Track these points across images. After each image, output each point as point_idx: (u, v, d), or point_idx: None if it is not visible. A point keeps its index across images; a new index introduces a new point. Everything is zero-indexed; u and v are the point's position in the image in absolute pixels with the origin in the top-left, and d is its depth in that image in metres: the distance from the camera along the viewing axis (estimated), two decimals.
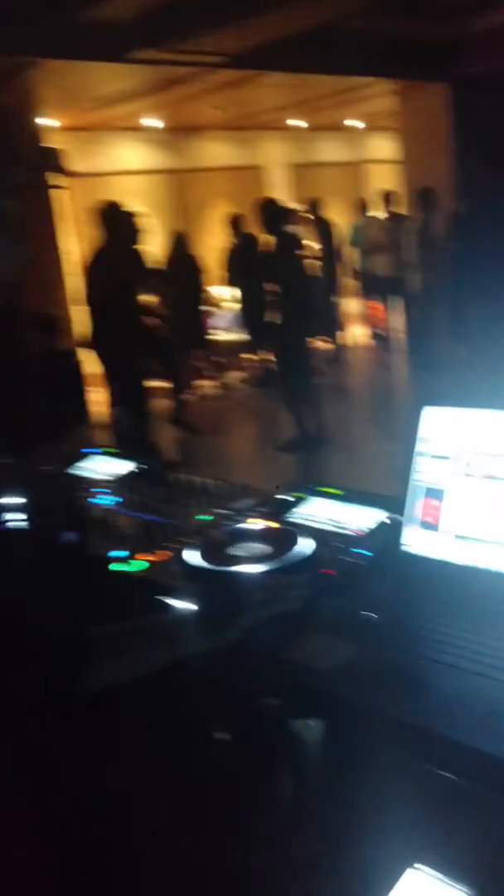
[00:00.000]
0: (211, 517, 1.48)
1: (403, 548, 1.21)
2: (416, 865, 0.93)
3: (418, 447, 1.21)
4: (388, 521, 1.32)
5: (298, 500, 1.48)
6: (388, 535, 1.28)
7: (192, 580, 1.21)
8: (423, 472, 1.20)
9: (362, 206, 9.69)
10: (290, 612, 1.04)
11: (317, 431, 5.56)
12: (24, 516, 1.28)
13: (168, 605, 1.18)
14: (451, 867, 0.91)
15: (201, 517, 1.48)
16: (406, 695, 0.93)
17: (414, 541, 1.20)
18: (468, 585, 1.11)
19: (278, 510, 1.46)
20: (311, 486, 1.53)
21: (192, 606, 1.15)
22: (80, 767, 1.05)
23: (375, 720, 0.92)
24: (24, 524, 1.26)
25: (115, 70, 6.85)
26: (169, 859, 1.05)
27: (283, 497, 1.52)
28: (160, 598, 1.20)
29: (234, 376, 8.64)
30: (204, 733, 1.14)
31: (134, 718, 1.14)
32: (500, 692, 0.89)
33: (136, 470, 1.79)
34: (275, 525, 1.38)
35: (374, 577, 1.20)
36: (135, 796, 1.12)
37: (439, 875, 0.92)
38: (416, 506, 1.21)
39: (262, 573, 1.18)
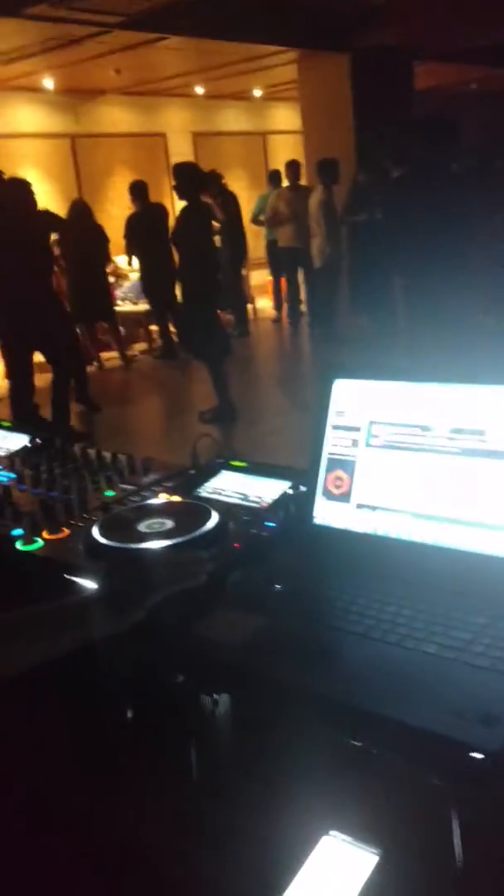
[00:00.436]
0: (115, 493, 1.44)
1: (312, 519, 1.21)
2: (330, 832, 0.94)
3: (328, 419, 1.21)
4: (295, 493, 1.31)
5: (206, 475, 1.46)
6: (295, 506, 1.27)
7: (96, 558, 1.18)
8: (333, 443, 1.20)
9: (269, 177, 9.65)
10: (197, 587, 1.02)
11: (222, 403, 5.54)
12: None
13: (74, 585, 1.15)
14: (362, 831, 0.93)
15: (106, 493, 1.44)
16: (314, 665, 0.92)
17: (322, 512, 1.20)
18: (376, 554, 1.11)
19: (185, 485, 1.44)
20: (219, 459, 1.51)
21: (99, 585, 1.11)
22: None
23: (284, 692, 0.91)
24: None
25: (7, 25, 6.56)
26: (83, 835, 1.03)
27: (190, 471, 1.49)
28: (65, 577, 1.16)
29: (138, 348, 8.52)
30: (115, 711, 1.12)
31: (45, 700, 1.11)
32: (405, 660, 0.90)
33: (30, 444, 1.73)
34: (180, 500, 1.36)
35: (283, 549, 1.19)
36: (48, 776, 1.09)
37: (351, 840, 0.93)
38: (325, 477, 1.20)
39: (168, 548, 1.16)
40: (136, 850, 0.98)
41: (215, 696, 1.05)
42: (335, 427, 1.20)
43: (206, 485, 1.43)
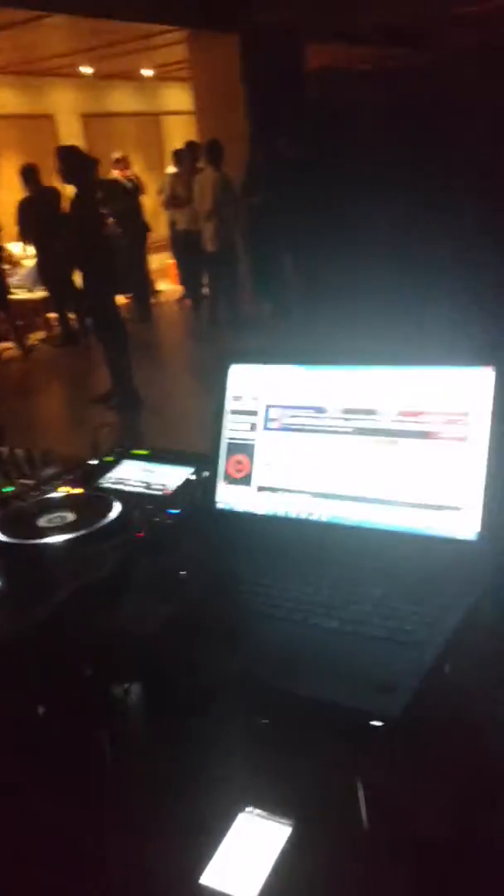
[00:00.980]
0: (13, 487, 1.42)
1: (215, 504, 1.22)
2: (246, 809, 0.96)
3: (225, 404, 1.22)
4: (198, 479, 1.32)
5: (107, 465, 1.45)
6: (198, 492, 1.28)
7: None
8: (231, 427, 1.21)
9: (175, 156, 9.52)
10: (101, 578, 1.02)
11: (125, 391, 5.49)
12: None
13: None
14: (276, 805, 0.96)
15: (4, 489, 1.41)
16: (220, 647, 0.94)
17: (225, 496, 1.22)
18: (278, 535, 1.14)
19: (87, 476, 1.43)
20: (121, 448, 1.50)
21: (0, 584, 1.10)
22: None
23: (193, 675, 0.93)
24: None
25: None
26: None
27: (91, 462, 1.48)
28: None
29: (35, 337, 8.33)
30: (24, 708, 1.10)
31: None
32: (309, 636, 0.93)
33: None
34: (81, 492, 1.35)
35: (187, 535, 1.20)
36: None
37: (266, 815, 0.96)
38: (226, 461, 1.22)
39: (70, 542, 1.15)
40: (49, 840, 0.98)
41: (125, 685, 1.05)
42: (234, 412, 1.21)
43: (109, 475, 1.42)
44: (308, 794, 0.93)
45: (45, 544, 1.15)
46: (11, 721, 1.10)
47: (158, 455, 1.46)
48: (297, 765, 0.92)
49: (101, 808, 0.99)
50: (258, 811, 0.97)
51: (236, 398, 1.21)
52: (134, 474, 1.41)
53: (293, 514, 1.15)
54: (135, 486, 1.37)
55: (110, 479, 1.41)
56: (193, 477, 1.34)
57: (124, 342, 5.51)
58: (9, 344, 7.85)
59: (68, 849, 0.92)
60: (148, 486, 1.36)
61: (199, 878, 0.86)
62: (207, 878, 0.89)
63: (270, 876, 0.87)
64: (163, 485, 1.35)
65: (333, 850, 0.88)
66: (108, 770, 1.05)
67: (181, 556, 1.14)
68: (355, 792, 0.85)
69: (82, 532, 1.16)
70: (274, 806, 0.97)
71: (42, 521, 1.21)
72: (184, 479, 1.34)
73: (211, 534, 1.20)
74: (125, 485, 1.38)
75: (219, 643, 0.95)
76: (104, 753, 1.06)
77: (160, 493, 1.33)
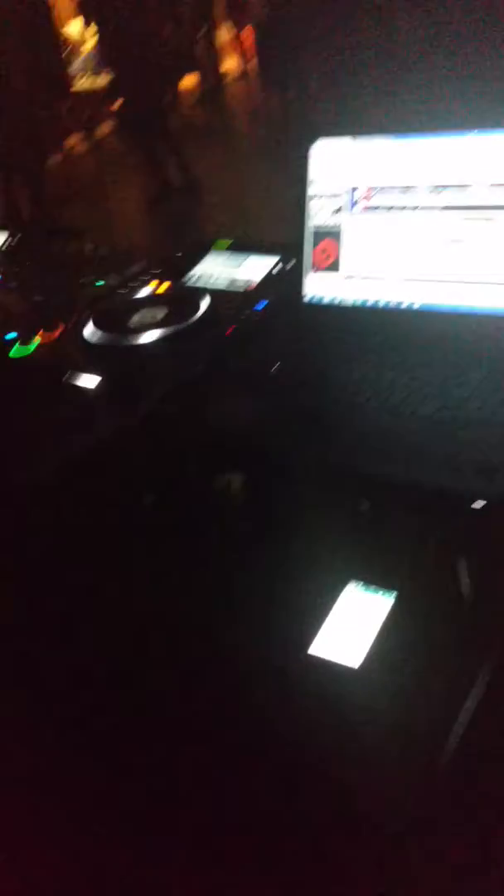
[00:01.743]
0: (103, 285, 1.41)
1: (302, 295, 1.19)
2: (350, 582, 1.02)
3: (308, 186, 1.15)
4: (283, 270, 1.28)
5: (191, 258, 1.42)
6: (284, 284, 1.25)
7: (93, 357, 1.18)
8: (316, 213, 1.15)
9: None
10: (195, 375, 1.03)
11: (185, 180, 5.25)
12: None
13: (74, 388, 1.16)
14: (378, 580, 1.01)
15: (92, 286, 1.41)
16: (317, 436, 0.95)
17: (312, 287, 1.18)
18: (369, 324, 1.11)
19: (172, 272, 1.40)
20: (203, 240, 1.46)
21: (97, 383, 1.12)
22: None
23: (292, 465, 0.95)
24: None
25: None
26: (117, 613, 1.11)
27: (176, 256, 1.45)
28: (64, 380, 1.17)
29: (104, 127, 7.95)
30: (133, 503, 1.16)
31: (64, 503, 1.15)
32: (404, 423, 0.93)
33: (9, 242, 1.67)
34: (170, 288, 1.33)
35: (275, 329, 1.19)
36: (73, 572, 1.16)
37: (370, 587, 1.01)
38: (312, 249, 1.17)
39: (163, 339, 1.15)
40: (159, 624, 1.06)
41: (228, 476, 1.09)
42: (317, 196, 1.15)
43: (194, 269, 1.40)
44: (409, 569, 0.97)
45: (140, 342, 1.15)
46: (120, 510, 1.16)
47: (241, 246, 1.41)
48: (398, 543, 0.95)
49: (208, 597, 1.06)
50: (362, 584, 1.02)
51: (319, 179, 1.14)
52: (218, 268, 1.38)
53: (383, 301, 1.11)
54: (219, 281, 1.35)
55: (194, 275, 1.39)
56: (278, 268, 1.30)
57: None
58: (75, 138, 7.56)
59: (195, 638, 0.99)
60: (232, 282, 1.33)
61: (307, 649, 0.93)
62: (316, 649, 0.96)
63: (374, 644, 0.93)
64: (247, 279, 1.32)
65: (433, 620, 0.93)
66: (214, 558, 1.11)
67: (271, 350, 1.13)
68: (456, 570, 0.88)
69: (175, 328, 1.16)
70: (377, 579, 1.02)
71: (135, 319, 1.22)
72: (268, 270, 1.30)
73: (299, 326, 1.18)
74: (209, 280, 1.36)
75: (314, 433, 0.96)
76: (212, 543, 1.11)
77: (245, 287, 1.31)
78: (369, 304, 1.12)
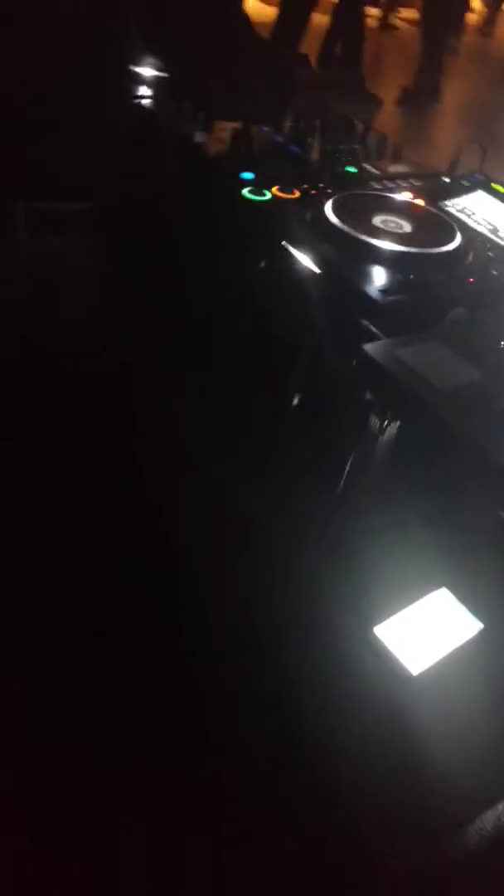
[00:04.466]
0: (357, 170, 1.30)
1: None
2: (444, 587, 0.94)
3: None
4: None
5: (460, 188, 1.29)
6: None
7: (323, 236, 1.08)
8: None
9: None
10: (415, 305, 0.93)
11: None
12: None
13: (290, 254, 1.07)
14: (470, 598, 0.93)
15: (347, 168, 1.30)
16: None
17: None
18: None
19: (434, 191, 1.28)
20: (481, 178, 1.32)
21: (316, 267, 1.03)
22: None
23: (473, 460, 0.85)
24: None
25: None
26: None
27: (444, 178, 1.32)
28: (285, 243, 1.08)
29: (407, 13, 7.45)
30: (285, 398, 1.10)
31: None
32: None
33: None
34: (425, 206, 1.21)
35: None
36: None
37: (460, 601, 0.93)
38: None
39: (399, 254, 1.05)
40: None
41: (390, 422, 1.00)
42: None
43: (457, 200, 1.27)
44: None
45: (377, 244, 1.05)
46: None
47: None
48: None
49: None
50: (453, 595, 0.94)
51: None
52: (484, 210, 1.25)
53: None
54: (479, 224, 1.22)
55: (457, 205, 1.26)
56: None
57: None
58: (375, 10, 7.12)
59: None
60: (493, 231, 1.20)
61: (373, 628, 0.86)
62: (383, 632, 0.89)
63: (442, 661, 0.86)
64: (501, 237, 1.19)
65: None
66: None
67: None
68: None
69: (414, 249, 1.05)
70: (468, 596, 0.94)
71: (377, 220, 1.11)
72: None
73: None
74: (470, 218, 1.23)
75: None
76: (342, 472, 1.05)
77: (496, 242, 1.17)
78: None
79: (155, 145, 1.28)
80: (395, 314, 0.97)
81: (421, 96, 4.65)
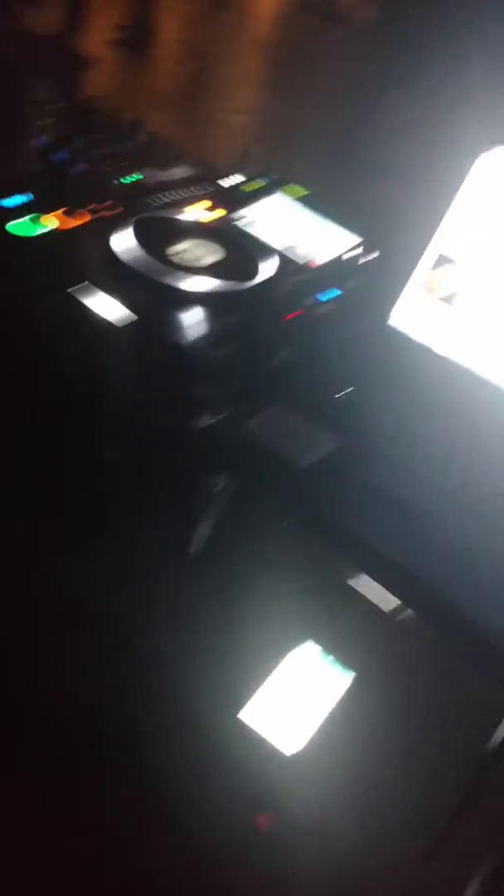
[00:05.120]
0: (141, 176, 1.14)
1: (390, 320, 0.96)
2: (309, 640, 0.90)
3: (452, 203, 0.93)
4: (368, 261, 1.07)
5: (254, 192, 1.18)
6: (359, 281, 1.03)
7: (122, 279, 0.93)
8: (443, 236, 0.94)
9: None
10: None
11: None
12: None
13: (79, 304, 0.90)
14: (336, 650, 0.88)
15: (127, 178, 1.13)
16: (367, 508, 0.79)
17: (406, 313, 0.96)
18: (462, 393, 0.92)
19: (225, 198, 1.15)
20: (274, 177, 1.21)
21: (125, 313, 0.89)
22: None
23: (334, 532, 0.79)
24: None
25: None
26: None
27: (236, 178, 1.20)
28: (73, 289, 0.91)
29: None
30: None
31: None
32: (471, 523, 0.79)
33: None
34: (222, 222, 1.08)
35: (343, 340, 0.96)
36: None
37: (326, 653, 0.89)
38: (420, 259, 0.95)
39: (208, 295, 0.92)
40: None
41: (225, 485, 0.91)
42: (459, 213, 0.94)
43: (251, 207, 1.15)
44: (368, 647, 0.87)
45: (190, 288, 0.92)
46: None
47: (317, 203, 1.16)
48: (365, 621, 0.84)
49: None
50: (318, 647, 0.91)
51: (473, 199, 0.93)
52: (281, 217, 1.14)
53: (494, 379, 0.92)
54: (278, 235, 1.09)
55: (252, 212, 1.13)
56: (355, 254, 1.08)
57: None
58: None
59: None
60: (291, 248, 1.08)
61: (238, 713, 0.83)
62: (248, 715, 0.84)
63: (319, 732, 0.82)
64: (309, 252, 1.07)
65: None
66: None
67: (336, 368, 0.92)
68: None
69: (232, 286, 0.93)
70: (334, 648, 0.91)
71: (180, 248, 0.97)
72: (352, 250, 1.08)
73: (376, 353, 0.95)
74: (268, 229, 1.10)
75: (365, 502, 0.79)
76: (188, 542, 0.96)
77: (304, 261, 1.06)
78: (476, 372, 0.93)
79: None
80: (220, 372, 0.86)
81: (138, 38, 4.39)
